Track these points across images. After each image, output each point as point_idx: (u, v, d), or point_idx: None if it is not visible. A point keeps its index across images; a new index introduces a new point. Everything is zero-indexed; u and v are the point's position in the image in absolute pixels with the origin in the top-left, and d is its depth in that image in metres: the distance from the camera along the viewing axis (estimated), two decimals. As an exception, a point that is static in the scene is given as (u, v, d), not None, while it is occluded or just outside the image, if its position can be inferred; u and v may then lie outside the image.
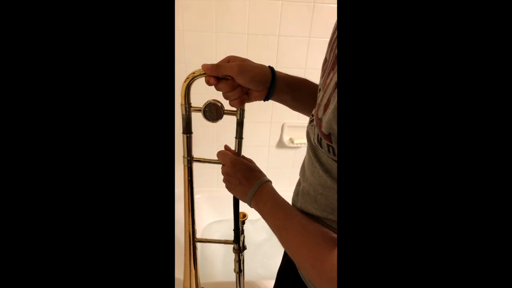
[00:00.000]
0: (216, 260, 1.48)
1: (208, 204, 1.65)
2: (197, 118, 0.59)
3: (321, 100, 0.39)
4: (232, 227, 0.67)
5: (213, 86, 0.53)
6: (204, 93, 0.80)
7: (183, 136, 0.60)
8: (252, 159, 0.62)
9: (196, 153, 0.62)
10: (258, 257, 1.54)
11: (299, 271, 0.54)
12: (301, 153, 1.61)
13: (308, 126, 0.47)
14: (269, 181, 0.55)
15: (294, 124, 1.54)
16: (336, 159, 0.39)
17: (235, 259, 0.72)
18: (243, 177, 0.55)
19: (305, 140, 0.48)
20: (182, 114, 0.57)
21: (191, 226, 0.66)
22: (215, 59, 0.54)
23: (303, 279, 0.52)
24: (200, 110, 0.58)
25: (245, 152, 0.61)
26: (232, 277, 0.76)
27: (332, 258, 0.37)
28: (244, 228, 0.69)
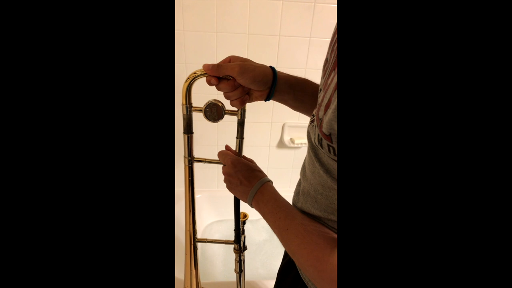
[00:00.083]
0: (217, 260, 1.48)
1: (209, 204, 1.65)
2: (198, 118, 0.60)
3: (322, 100, 0.39)
4: (233, 227, 0.67)
5: (214, 86, 0.53)
6: (205, 93, 0.81)
7: (184, 136, 0.60)
8: (253, 159, 0.62)
9: (197, 153, 0.63)
10: (258, 257, 1.54)
11: (299, 271, 0.54)
12: (302, 153, 1.62)
13: (309, 126, 0.47)
14: (270, 181, 0.55)
15: (295, 124, 1.54)
16: (336, 159, 0.39)
17: (235, 259, 0.72)
18: (244, 177, 0.55)
19: (305, 140, 0.48)
20: (183, 114, 0.58)
21: (191, 226, 0.66)
22: (216, 59, 0.54)
23: (303, 279, 0.52)
24: (201, 110, 0.58)
25: (245, 152, 0.61)
26: (233, 277, 0.76)
27: (333, 258, 0.37)
28: (244, 228, 0.69)
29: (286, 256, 0.64)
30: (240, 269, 0.73)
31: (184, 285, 0.72)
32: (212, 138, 1.53)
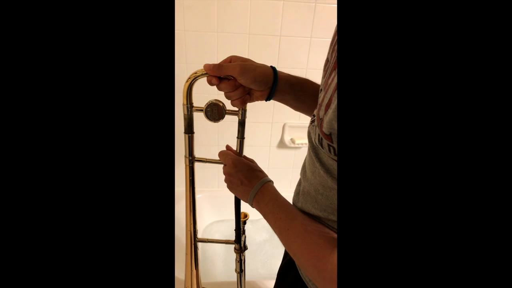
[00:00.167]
0: (217, 260, 1.48)
1: (209, 204, 1.65)
2: (199, 118, 0.60)
3: (323, 100, 0.39)
4: (233, 227, 0.68)
5: (215, 86, 0.53)
6: (206, 93, 0.81)
7: (185, 136, 0.60)
8: (253, 159, 0.62)
9: (197, 153, 0.63)
10: (259, 257, 1.54)
11: (299, 271, 0.54)
12: (302, 153, 1.62)
13: (309, 126, 0.47)
14: (271, 181, 0.55)
15: (295, 124, 1.54)
16: (336, 159, 0.39)
17: (236, 259, 0.72)
18: (245, 177, 0.55)
19: (306, 141, 0.48)
20: (184, 114, 0.58)
21: (192, 226, 0.66)
22: (216, 59, 0.54)
23: (303, 279, 0.52)
24: (202, 110, 0.58)
25: (246, 152, 0.61)
26: (233, 277, 0.76)
27: (333, 258, 0.37)
28: (245, 228, 0.69)
29: (286, 256, 0.64)
30: (240, 269, 0.73)
31: (184, 285, 0.72)
32: (213, 138, 1.53)
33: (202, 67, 0.52)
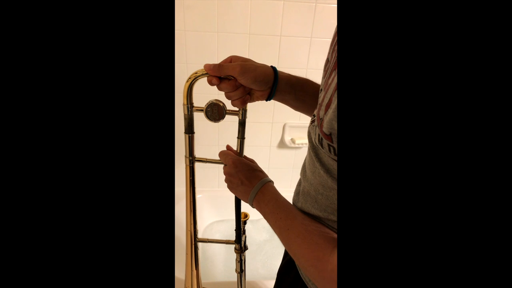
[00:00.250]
0: (217, 260, 1.48)
1: (209, 204, 1.65)
2: (199, 118, 0.60)
3: (323, 100, 0.40)
4: (233, 227, 0.68)
5: (215, 86, 0.53)
6: (206, 93, 0.81)
7: (185, 136, 0.60)
8: (254, 159, 0.62)
9: (197, 153, 0.63)
10: (259, 257, 1.54)
11: (299, 271, 0.54)
12: (302, 153, 1.62)
13: (309, 126, 0.47)
14: (271, 181, 0.55)
15: (296, 125, 1.54)
16: (336, 159, 0.39)
17: (236, 259, 0.72)
18: (245, 177, 0.55)
19: (306, 141, 0.48)
20: (184, 114, 0.58)
21: (192, 226, 0.66)
22: (217, 59, 0.54)
23: (303, 279, 0.52)
24: (202, 110, 0.58)
25: (246, 152, 0.61)
26: (233, 277, 0.76)
27: (333, 258, 0.38)
28: (245, 228, 0.69)
29: (286, 256, 0.64)
30: (240, 269, 0.73)
31: (185, 285, 0.72)
32: (213, 138, 1.53)
33: (202, 67, 0.52)
